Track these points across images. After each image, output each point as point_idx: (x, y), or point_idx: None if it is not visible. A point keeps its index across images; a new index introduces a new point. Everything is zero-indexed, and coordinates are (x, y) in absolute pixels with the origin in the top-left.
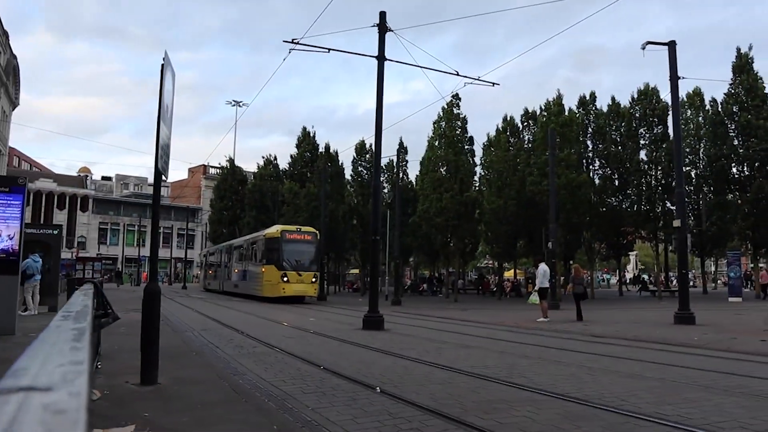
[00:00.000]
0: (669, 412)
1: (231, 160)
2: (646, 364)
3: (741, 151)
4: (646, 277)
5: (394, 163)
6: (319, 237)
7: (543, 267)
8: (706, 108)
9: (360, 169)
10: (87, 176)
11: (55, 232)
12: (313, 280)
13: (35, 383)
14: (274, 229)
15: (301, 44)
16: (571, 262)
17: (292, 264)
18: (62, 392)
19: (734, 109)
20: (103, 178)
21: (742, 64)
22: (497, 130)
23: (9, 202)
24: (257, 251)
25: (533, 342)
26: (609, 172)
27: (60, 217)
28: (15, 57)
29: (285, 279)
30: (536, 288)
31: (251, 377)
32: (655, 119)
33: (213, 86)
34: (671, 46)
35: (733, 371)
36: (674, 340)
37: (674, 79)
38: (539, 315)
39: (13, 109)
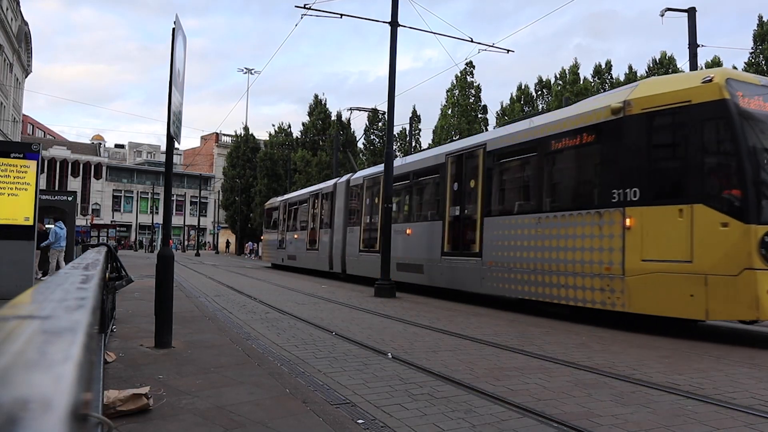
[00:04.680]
0: (680, 382)
1: (246, 128)
2: (657, 334)
3: None
4: None
5: (407, 132)
6: None
7: None
8: None
9: (372, 137)
10: (100, 144)
11: (70, 198)
12: None
13: (35, 313)
14: (703, 79)
15: (313, 9)
16: None
17: None
18: (61, 319)
19: None
20: (116, 145)
21: (764, 33)
22: (511, 98)
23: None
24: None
25: (544, 311)
26: None
27: (74, 184)
28: (26, 23)
29: None
30: None
31: (264, 342)
32: None
33: (222, 53)
34: (691, 12)
35: (747, 342)
36: None
37: (693, 46)
38: None
39: (26, 77)
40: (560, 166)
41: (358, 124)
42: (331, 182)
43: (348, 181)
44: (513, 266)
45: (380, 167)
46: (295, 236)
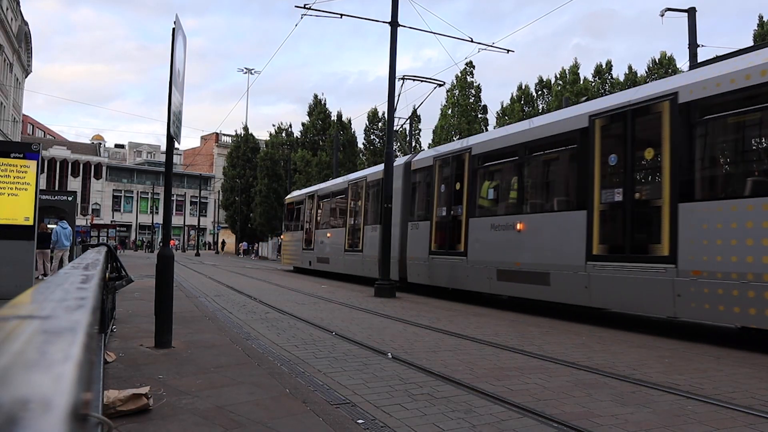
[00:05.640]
0: (680, 382)
1: (246, 128)
2: (657, 334)
3: None
4: None
5: (407, 132)
6: None
7: None
8: None
9: (372, 137)
10: (100, 144)
11: (70, 198)
12: None
13: (35, 313)
14: None
15: (313, 9)
16: None
17: None
18: (61, 319)
19: None
20: (116, 145)
21: (764, 33)
22: (511, 98)
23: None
24: None
25: (544, 311)
26: None
27: (74, 184)
28: (26, 23)
29: None
30: None
31: (264, 342)
32: None
33: (221, 53)
34: (691, 12)
35: (747, 343)
36: None
37: (693, 46)
38: None
39: (26, 77)
40: None
41: (357, 124)
42: (379, 167)
43: (408, 164)
44: (746, 280)
45: (455, 144)
46: (328, 235)
